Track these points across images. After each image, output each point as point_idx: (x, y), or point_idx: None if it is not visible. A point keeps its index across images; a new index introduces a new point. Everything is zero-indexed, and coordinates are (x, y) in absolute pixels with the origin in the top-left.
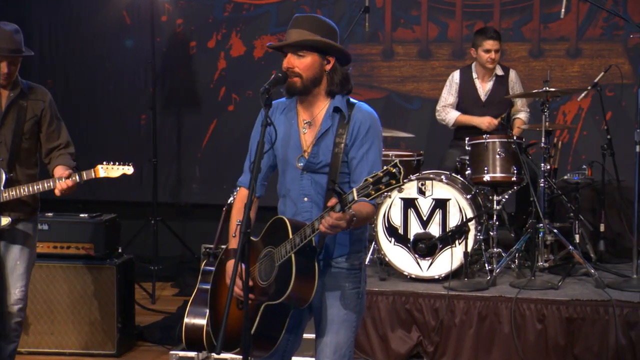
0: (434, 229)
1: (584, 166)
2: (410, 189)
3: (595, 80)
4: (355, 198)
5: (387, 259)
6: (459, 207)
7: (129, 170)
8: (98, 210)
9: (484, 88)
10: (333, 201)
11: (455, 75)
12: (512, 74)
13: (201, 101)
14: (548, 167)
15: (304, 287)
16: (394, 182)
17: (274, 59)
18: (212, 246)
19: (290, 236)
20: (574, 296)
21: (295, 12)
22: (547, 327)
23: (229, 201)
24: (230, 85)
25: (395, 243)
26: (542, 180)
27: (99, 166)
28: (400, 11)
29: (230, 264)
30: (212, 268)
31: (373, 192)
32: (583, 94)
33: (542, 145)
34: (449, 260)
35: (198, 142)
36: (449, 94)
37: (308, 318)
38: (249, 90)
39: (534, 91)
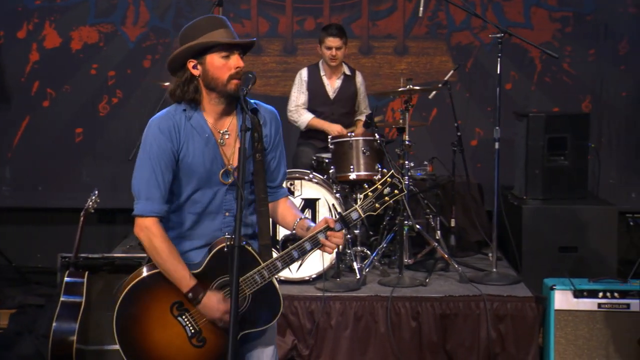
0: None
1: (425, 162)
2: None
3: (446, 79)
4: (362, 215)
5: None
6: (329, 207)
7: None
8: None
9: (332, 86)
10: (331, 220)
11: (304, 73)
12: (359, 77)
13: (11, 96)
14: (406, 163)
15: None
16: (397, 192)
17: (93, 52)
18: (70, 255)
19: (262, 263)
20: (446, 292)
21: (116, 3)
22: (422, 324)
23: (85, 206)
24: (45, 79)
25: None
26: (407, 177)
27: None
28: (229, 5)
29: (210, 299)
30: (77, 279)
31: (378, 206)
32: (434, 92)
33: (407, 142)
34: (318, 260)
35: (8, 141)
36: (299, 92)
37: None
38: (67, 85)
39: (399, 89)
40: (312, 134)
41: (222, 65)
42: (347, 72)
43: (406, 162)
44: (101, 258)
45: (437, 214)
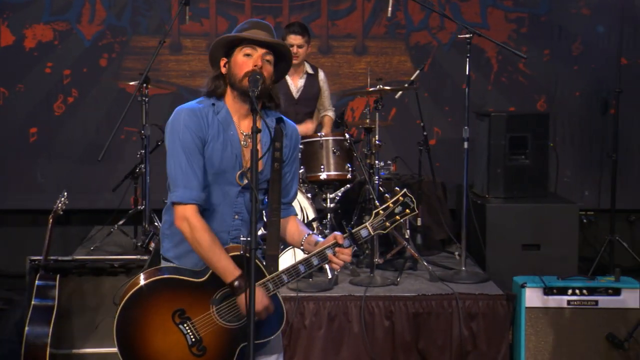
0: None
1: (389, 161)
2: None
3: (412, 78)
4: (372, 233)
5: None
6: (300, 207)
7: None
8: None
9: (295, 85)
10: (340, 237)
11: None
12: (322, 75)
13: None
14: (376, 163)
15: None
16: (408, 211)
17: (47, 51)
18: (40, 258)
19: (267, 274)
20: (418, 291)
21: (71, 0)
22: (395, 324)
23: (54, 208)
24: None
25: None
26: (377, 177)
27: None
28: None
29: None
30: (49, 282)
31: (389, 225)
32: (400, 92)
33: (377, 142)
34: (289, 260)
35: None
36: None
37: None
38: (20, 84)
39: (370, 89)
40: None
41: (242, 63)
42: (310, 71)
43: (376, 162)
44: (72, 261)
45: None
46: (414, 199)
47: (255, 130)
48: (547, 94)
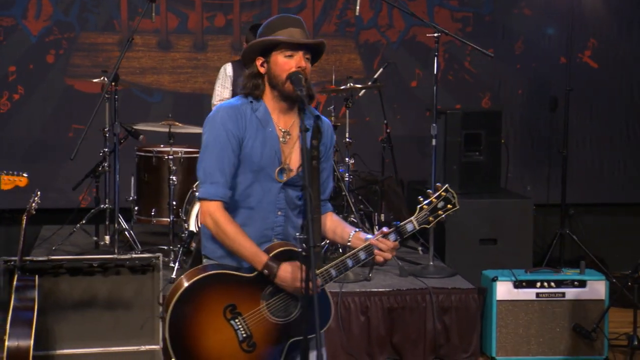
0: None
1: (346, 159)
2: None
3: (375, 76)
4: (417, 227)
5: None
6: None
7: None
8: None
9: None
10: (386, 232)
11: (228, 69)
12: None
13: None
14: (346, 160)
15: None
16: (450, 206)
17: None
18: (15, 259)
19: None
20: (392, 286)
21: None
22: (370, 319)
23: (27, 207)
24: None
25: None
26: (348, 174)
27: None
28: None
29: (286, 270)
30: (28, 283)
31: (432, 219)
32: (363, 91)
33: (348, 140)
34: None
35: None
36: (223, 87)
37: None
38: None
39: (341, 87)
40: None
41: (284, 64)
42: None
43: (346, 158)
44: (48, 261)
45: (374, 210)
46: (455, 194)
47: (304, 129)
48: (491, 92)
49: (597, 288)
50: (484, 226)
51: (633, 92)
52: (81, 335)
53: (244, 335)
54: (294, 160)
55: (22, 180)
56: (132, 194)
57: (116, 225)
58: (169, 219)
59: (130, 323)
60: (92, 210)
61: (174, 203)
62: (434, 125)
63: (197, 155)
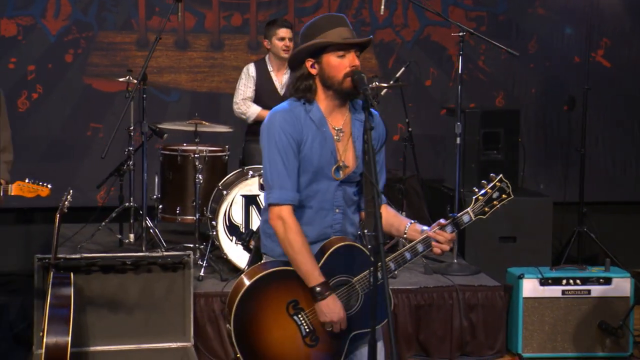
0: None
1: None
2: (251, 186)
3: (397, 75)
4: (473, 218)
5: (227, 258)
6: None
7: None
8: None
9: (280, 81)
10: (443, 223)
11: (251, 69)
12: None
13: None
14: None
15: None
16: (505, 196)
17: (11, 46)
18: (49, 257)
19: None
20: (419, 284)
21: None
22: (398, 316)
23: (60, 205)
24: None
25: (237, 242)
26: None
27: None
28: None
29: (335, 300)
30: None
31: (487, 210)
32: (385, 90)
33: None
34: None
35: None
36: (246, 87)
37: None
38: None
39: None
40: (257, 130)
41: (338, 64)
42: None
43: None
44: (82, 258)
45: (396, 209)
46: (509, 184)
47: (370, 128)
48: (505, 91)
49: (622, 285)
50: (504, 224)
51: None
52: (113, 333)
53: (307, 330)
54: (349, 157)
55: (44, 190)
56: (157, 193)
57: (144, 224)
58: (194, 218)
59: (161, 320)
60: (117, 209)
61: (199, 201)
62: (459, 123)
63: (222, 154)
